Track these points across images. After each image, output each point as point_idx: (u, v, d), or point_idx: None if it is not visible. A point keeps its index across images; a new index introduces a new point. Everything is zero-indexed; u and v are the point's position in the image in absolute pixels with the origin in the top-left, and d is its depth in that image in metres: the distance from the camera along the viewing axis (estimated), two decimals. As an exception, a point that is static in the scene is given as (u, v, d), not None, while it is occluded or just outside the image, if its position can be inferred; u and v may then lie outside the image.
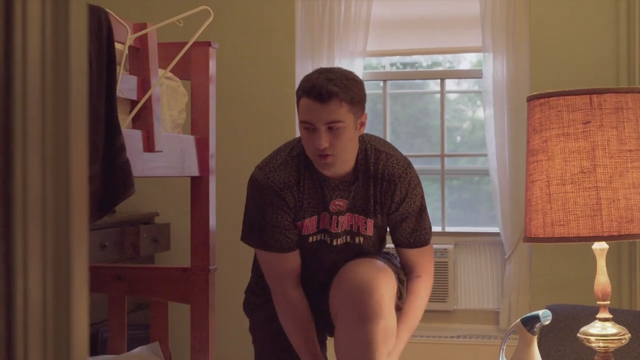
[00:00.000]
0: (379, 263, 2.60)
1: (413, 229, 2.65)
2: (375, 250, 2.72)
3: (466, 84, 4.79)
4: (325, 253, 2.66)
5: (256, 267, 2.84)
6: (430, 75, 4.74)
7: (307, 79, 2.51)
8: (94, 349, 3.71)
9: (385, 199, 2.61)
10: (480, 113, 4.69)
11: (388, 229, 2.73)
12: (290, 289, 2.64)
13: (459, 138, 4.82)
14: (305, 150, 2.54)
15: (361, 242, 2.66)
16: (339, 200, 2.59)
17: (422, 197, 2.68)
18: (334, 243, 2.65)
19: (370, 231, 2.65)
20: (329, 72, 2.49)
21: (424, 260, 2.70)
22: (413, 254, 2.69)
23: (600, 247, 2.37)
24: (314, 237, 2.64)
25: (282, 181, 2.57)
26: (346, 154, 2.51)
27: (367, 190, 2.60)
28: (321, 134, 2.43)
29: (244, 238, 2.70)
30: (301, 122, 2.49)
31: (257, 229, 2.62)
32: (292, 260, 2.64)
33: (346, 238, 2.65)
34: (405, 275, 2.71)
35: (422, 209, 2.68)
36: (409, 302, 2.68)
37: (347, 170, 2.57)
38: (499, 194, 4.16)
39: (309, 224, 2.62)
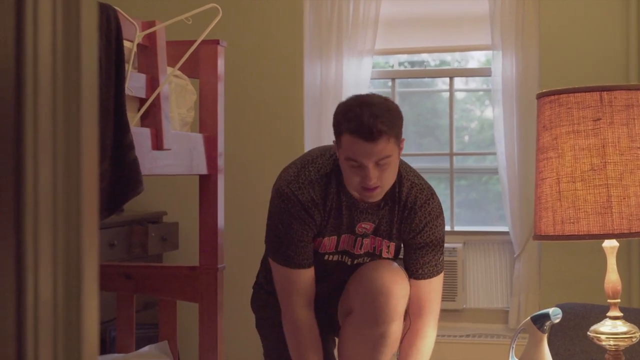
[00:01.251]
0: (398, 267, 2.61)
1: (425, 262, 2.62)
2: None
3: (474, 83, 4.77)
4: (342, 272, 2.67)
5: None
6: (438, 74, 4.73)
7: (350, 116, 2.40)
8: (102, 348, 3.71)
9: (405, 226, 2.61)
10: (488, 113, 4.67)
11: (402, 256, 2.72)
12: (299, 308, 2.60)
13: (467, 138, 4.81)
14: (345, 180, 2.50)
15: None
16: (365, 223, 2.59)
17: (442, 231, 2.64)
18: (354, 262, 2.66)
19: (391, 254, 2.66)
20: (371, 107, 2.39)
21: (430, 297, 2.64)
22: (420, 286, 2.64)
23: (610, 244, 2.36)
24: (332, 256, 2.64)
25: (310, 199, 2.53)
26: (391, 182, 2.50)
27: (393, 216, 2.59)
28: (370, 171, 2.39)
29: (272, 254, 2.64)
30: (346, 158, 2.42)
31: (284, 244, 2.58)
32: (308, 277, 2.61)
33: (365, 259, 2.65)
34: (409, 312, 2.66)
35: (440, 243, 2.63)
36: (413, 345, 2.62)
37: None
38: (508, 193, 4.14)
39: (328, 242, 2.61)
